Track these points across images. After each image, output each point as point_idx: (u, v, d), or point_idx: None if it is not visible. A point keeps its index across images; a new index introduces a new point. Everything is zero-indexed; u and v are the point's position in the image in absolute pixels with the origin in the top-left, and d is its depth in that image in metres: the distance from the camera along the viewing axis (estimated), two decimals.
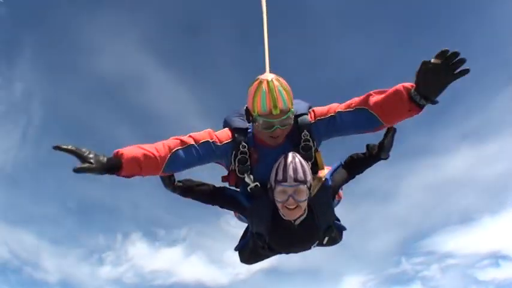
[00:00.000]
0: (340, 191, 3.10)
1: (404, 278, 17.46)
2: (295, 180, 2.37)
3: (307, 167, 2.46)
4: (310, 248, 2.90)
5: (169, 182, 2.83)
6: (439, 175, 18.87)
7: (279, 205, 2.45)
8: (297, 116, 2.55)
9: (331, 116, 2.54)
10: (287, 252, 2.91)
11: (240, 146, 2.55)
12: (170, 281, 17.33)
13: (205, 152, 2.48)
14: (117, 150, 2.21)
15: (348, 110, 2.50)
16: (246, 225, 3.22)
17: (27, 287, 16.09)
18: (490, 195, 18.06)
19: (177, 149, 2.40)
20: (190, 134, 2.50)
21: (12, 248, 16.33)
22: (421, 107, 2.21)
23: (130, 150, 2.24)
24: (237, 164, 2.58)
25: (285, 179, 2.37)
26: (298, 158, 2.45)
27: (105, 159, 2.13)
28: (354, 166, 2.93)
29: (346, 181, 2.88)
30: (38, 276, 16.39)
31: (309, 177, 2.45)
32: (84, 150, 2.07)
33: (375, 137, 2.91)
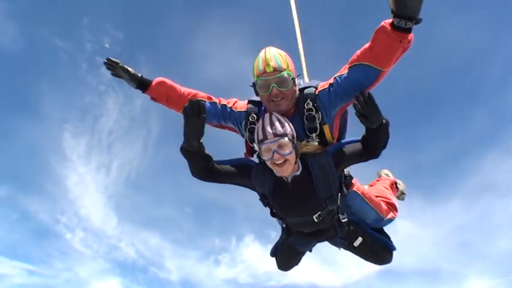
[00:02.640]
0: (395, 202, 3.19)
1: None
2: (275, 135, 2.42)
3: (284, 120, 2.51)
4: (312, 218, 2.71)
5: (201, 130, 2.48)
6: None
7: (269, 163, 2.50)
8: (303, 89, 2.72)
9: (330, 83, 2.65)
10: (291, 218, 2.79)
11: (250, 116, 2.78)
12: (283, 282, 17.42)
13: (221, 111, 2.90)
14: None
15: (342, 73, 2.58)
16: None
17: (153, 285, 18.45)
18: None
19: (201, 100, 2.62)
20: (221, 98, 2.97)
21: (138, 249, 18.41)
22: (408, 31, 2.23)
23: (164, 78, 2.92)
24: (247, 133, 2.79)
25: (265, 137, 2.45)
26: (274, 115, 2.52)
27: (140, 74, 2.89)
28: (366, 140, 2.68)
29: (359, 156, 2.66)
30: (162, 275, 18.68)
31: (289, 129, 2.48)
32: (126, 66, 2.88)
33: None
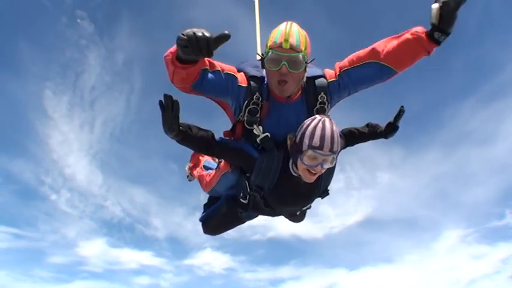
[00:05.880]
0: None
1: (509, 233, 16.33)
2: (330, 150, 2.33)
3: (340, 135, 2.43)
4: (301, 209, 2.98)
5: (175, 122, 2.43)
6: None
7: (302, 167, 2.41)
8: (314, 78, 2.57)
9: (338, 75, 2.58)
10: (276, 210, 2.87)
11: (254, 96, 2.50)
12: (268, 235, 18.16)
13: (226, 84, 2.46)
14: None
15: (354, 65, 2.54)
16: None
17: (140, 243, 18.30)
18: None
19: (206, 68, 2.37)
20: (218, 62, 2.46)
21: (124, 207, 18.46)
22: (439, 44, 2.34)
23: None
24: (246, 114, 2.53)
25: (321, 147, 2.32)
26: (335, 127, 2.38)
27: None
28: (352, 138, 2.97)
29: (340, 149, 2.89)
30: (148, 233, 18.59)
31: (340, 147, 2.43)
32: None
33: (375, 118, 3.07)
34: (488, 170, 17.66)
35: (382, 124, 3.01)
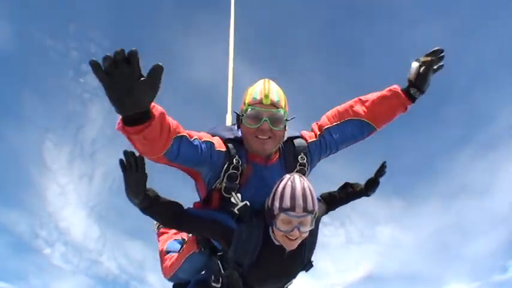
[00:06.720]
0: None
1: None
2: (305, 210, 2.07)
3: (315, 194, 2.17)
4: (286, 285, 2.61)
5: (141, 186, 2.08)
6: None
7: (278, 234, 2.15)
8: (293, 139, 2.48)
9: (319, 135, 2.51)
10: (267, 286, 2.50)
11: (234, 159, 2.27)
12: None
13: (205, 150, 2.19)
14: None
15: (335, 124, 2.51)
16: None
17: None
18: None
19: (181, 136, 2.05)
20: (191, 131, 2.19)
21: (120, 263, 17.85)
22: (414, 101, 2.46)
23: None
24: (225, 180, 2.28)
25: (292, 208, 2.06)
26: (307, 183, 2.14)
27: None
28: (333, 201, 2.76)
29: (322, 215, 2.68)
30: None
31: (317, 206, 2.16)
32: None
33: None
34: (488, 221, 17.60)
35: (362, 182, 2.82)
